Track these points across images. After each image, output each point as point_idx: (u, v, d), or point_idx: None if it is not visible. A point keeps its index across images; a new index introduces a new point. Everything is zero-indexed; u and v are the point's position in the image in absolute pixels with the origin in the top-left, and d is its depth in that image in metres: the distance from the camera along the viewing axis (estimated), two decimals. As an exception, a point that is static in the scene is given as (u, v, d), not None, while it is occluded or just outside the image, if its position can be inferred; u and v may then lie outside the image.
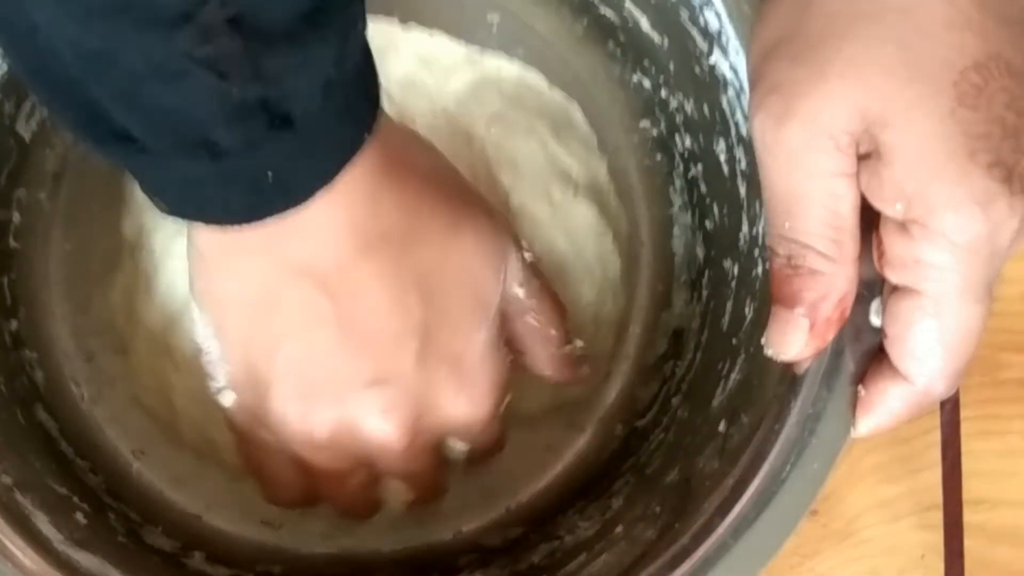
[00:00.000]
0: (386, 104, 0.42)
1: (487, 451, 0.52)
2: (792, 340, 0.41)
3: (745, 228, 0.51)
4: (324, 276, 0.42)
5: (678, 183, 0.58)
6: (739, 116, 0.50)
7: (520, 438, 0.54)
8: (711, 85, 0.51)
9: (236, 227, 0.39)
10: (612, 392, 0.57)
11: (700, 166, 0.55)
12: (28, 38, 0.35)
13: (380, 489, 0.50)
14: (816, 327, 0.41)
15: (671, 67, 0.55)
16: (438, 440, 0.48)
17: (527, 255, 0.48)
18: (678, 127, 0.56)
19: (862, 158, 0.39)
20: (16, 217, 0.55)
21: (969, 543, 0.52)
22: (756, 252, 0.50)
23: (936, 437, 0.52)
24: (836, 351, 0.44)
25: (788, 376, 0.45)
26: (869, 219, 0.40)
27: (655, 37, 0.55)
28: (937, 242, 0.38)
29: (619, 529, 0.50)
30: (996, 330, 0.50)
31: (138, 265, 0.53)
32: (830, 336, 0.42)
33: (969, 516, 0.52)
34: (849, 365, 0.43)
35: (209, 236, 0.42)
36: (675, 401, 0.54)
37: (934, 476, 0.53)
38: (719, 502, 0.44)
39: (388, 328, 0.43)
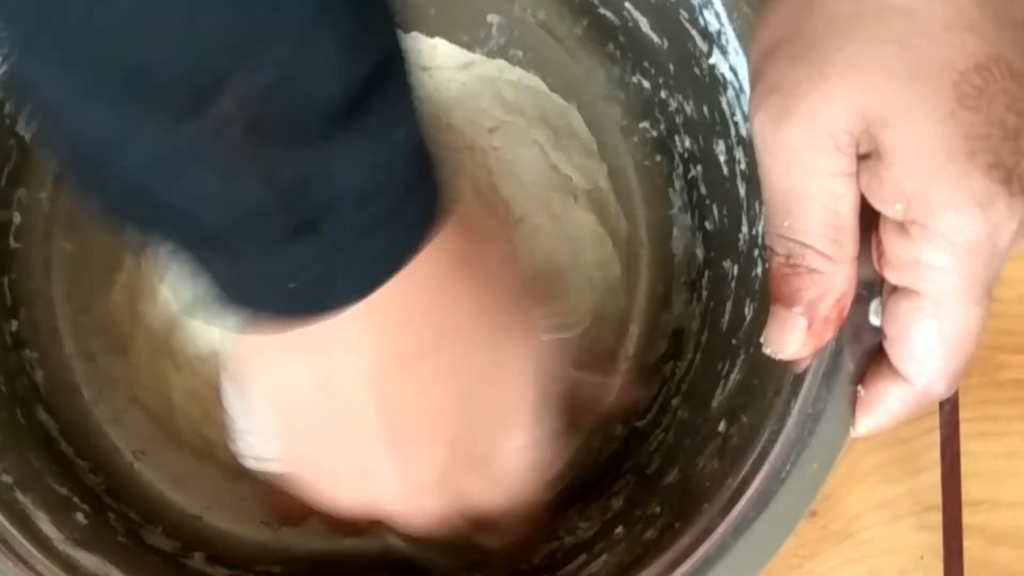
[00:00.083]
0: None
1: (515, 550, 0.50)
2: (790, 339, 0.41)
3: (745, 229, 0.51)
4: (352, 386, 0.40)
5: (678, 184, 0.58)
6: (739, 117, 0.50)
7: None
8: (711, 86, 0.51)
9: (277, 325, 0.37)
10: (612, 392, 0.57)
11: (700, 167, 0.55)
12: (55, 120, 0.33)
13: None
14: (814, 326, 0.41)
15: (671, 68, 0.55)
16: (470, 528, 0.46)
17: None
18: (678, 128, 0.56)
19: (862, 158, 0.39)
20: (17, 217, 0.55)
21: (968, 544, 0.52)
22: (756, 252, 0.50)
23: (935, 438, 0.52)
24: (836, 351, 0.44)
25: (788, 376, 0.45)
26: (869, 219, 0.40)
27: (655, 38, 0.55)
28: (937, 243, 0.38)
29: (619, 529, 0.50)
30: (995, 331, 0.50)
31: (142, 267, 0.53)
32: (828, 335, 0.42)
33: (968, 517, 0.52)
34: (849, 365, 0.43)
35: (251, 337, 0.40)
36: (675, 401, 0.54)
37: (933, 477, 0.53)
38: (719, 502, 0.44)
39: (420, 438, 0.42)
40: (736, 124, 0.51)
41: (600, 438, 0.56)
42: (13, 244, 0.55)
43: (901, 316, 0.40)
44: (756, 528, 0.43)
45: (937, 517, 0.52)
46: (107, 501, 0.52)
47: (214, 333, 0.51)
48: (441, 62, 0.57)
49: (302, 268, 0.35)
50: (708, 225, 0.55)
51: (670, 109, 0.56)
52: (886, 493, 0.54)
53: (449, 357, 0.41)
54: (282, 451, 0.43)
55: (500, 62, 0.58)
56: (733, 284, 0.52)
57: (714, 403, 0.50)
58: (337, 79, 0.31)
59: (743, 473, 0.44)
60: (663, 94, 0.56)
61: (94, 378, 0.55)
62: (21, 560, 0.44)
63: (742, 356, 0.50)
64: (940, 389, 0.41)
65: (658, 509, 0.48)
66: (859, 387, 0.43)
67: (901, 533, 0.54)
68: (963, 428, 0.52)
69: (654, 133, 0.58)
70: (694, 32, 0.51)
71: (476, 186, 0.54)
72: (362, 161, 0.33)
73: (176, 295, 0.52)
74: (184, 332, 0.52)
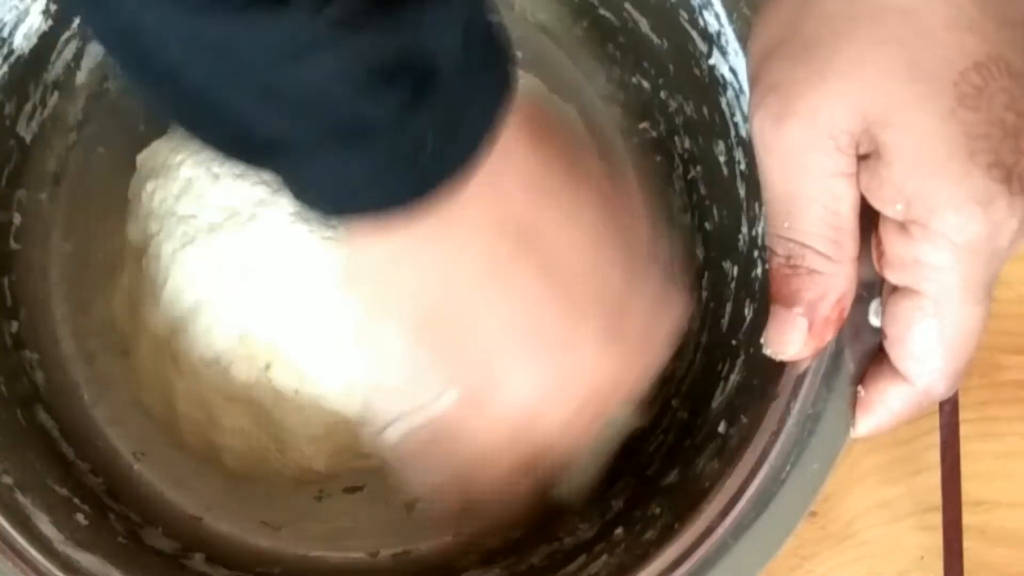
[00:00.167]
0: None
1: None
2: (790, 340, 0.41)
3: (744, 229, 0.51)
4: (510, 230, 0.40)
5: (677, 185, 0.58)
6: (738, 117, 0.50)
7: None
8: (710, 87, 0.51)
9: (406, 211, 0.37)
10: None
11: (699, 168, 0.55)
12: (149, 61, 0.34)
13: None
14: (814, 327, 0.41)
15: (671, 69, 0.55)
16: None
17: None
18: (677, 129, 0.56)
19: (862, 158, 0.39)
20: (17, 218, 0.55)
21: (968, 544, 0.52)
22: (755, 253, 0.50)
23: (935, 438, 0.52)
24: (836, 351, 0.44)
25: (788, 377, 0.45)
26: (869, 219, 0.40)
27: (655, 39, 0.55)
28: (937, 242, 0.38)
29: (619, 530, 0.49)
30: (995, 332, 0.50)
31: (143, 271, 0.53)
32: (828, 336, 0.42)
33: (968, 517, 0.52)
34: (849, 365, 0.43)
35: (379, 244, 0.39)
36: (675, 402, 0.54)
37: (933, 477, 0.53)
38: (719, 503, 0.44)
39: (592, 253, 0.42)
40: (736, 125, 0.51)
41: (600, 438, 0.56)
42: (13, 245, 0.55)
43: (901, 316, 0.40)
44: (756, 528, 0.43)
45: (937, 517, 0.52)
46: (107, 502, 0.52)
47: (217, 338, 0.51)
48: None
49: (435, 120, 0.35)
50: (708, 226, 0.55)
51: (670, 110, 0.56)
52: (886, 493, 0.54)
53: (579, 182, 0.42)
54: (471, 354, 0.42)
55: None
56: (733, 285, 0.52)
57: (714, 404, 0.50)
58: None
59: (743, 474, 0.44)
60: (663, 95, 0.56)
61: (94, 379, 0.54)
62: (21, 561, 0.44)
63: (742, 357, 0.50)
64: (941, 389, 0.41)
65: (658, 510, 0.48)
66: (859, 387, 0.43)
67: (901, 533, 0.54)
68: (963, 429, 0.52)
69: (654, 134, 0.58)
70: (694, 33, 0.51)
71: None
72: (454, 23, 0.35)
73: (178, 298, 0.52)
74: (186, 337, 0.52)
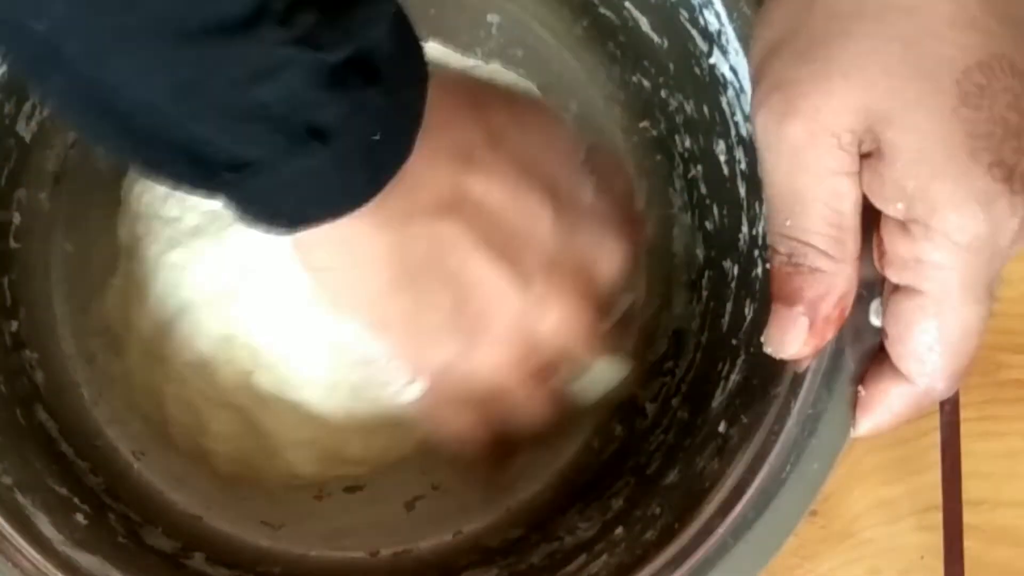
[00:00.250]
0: None
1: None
2: (791, 338, 0.41)
3: (745, 229, 0.51)
4: (444, 206, 0.42)
5: (678, 184, 0.58)
6: (739, 116, 0.50)
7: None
8: (711, 86, 0.51)
9: (358, 213, 0.38)
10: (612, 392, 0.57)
11: (700, 167, 0.55)
12: (110, 105, 0.35)
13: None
14: (815, 325, 0.41)
15: (671, 68, 0.55)
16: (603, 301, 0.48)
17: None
18: (678, 128, 0.56)
19: (864, 156, 0.39)
20: (16, 218, 0.55)
21: (969, 544, 0.52)
22: (756, 253, 0.50)
23: (936, 438, 0.52)
24: (836, 351, 0.44)
25: (788, 376, 0.45)
26: (871, 218, 0.40)
27: (655, 38, 0.55)
28: (938, 242, 0.38)
29: (619, 530, 0.49)
30: (996, 331, 0.50)
31: (132, 273, 0.53)
32: (829, 335, 0.42)
33: (969, 517, 0.52)
34: (849, 365, 0.43)
35: (328, 249, 0.41)
36: (675, 402, 0.54)
37: (934, 477, 0.53)
38: (719, 502, 0.44)
39: (520, 207, 0.44)
40: (736, 124, 0.51)
41: (600, 438, 0.56)
42: (13, 244, 0.54)
43: (902, 315, 0.40)
44: (756, 528, 0.43)
45: (937, 517, 0.52)
46: (107, 501, 0.52)
47: (201, 341, 0.51)
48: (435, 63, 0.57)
49: (382, 112, 0.37)
50: (708, 225, 0.55)
51: (670, 109, 0.56)
52: (886, 493, 0.54)
53: (501, 132, 0.44)
54: (429, 338, 0.44)
55: (495, 66, 0.57)
56: (733, 284, 0.52)
57: (714, 403, 0.50)
58: None
59: (743, 473, 0.44)
60: (663, 94, 0.56)
61: (94, 378, 0.54)
62: (21, 561, 0.44)
63: (742, 356, 0.50)
64: (941, 388, 0.41)
65: (658, 509, 0.48)
66: (860, 387, 0.43)
67: (901, 533, 0.54)
68: (964, 428, 0.52)
69: (654, 133, 0.58)
70: (694, 32, 0.51)
71: None
72: (385, 18, 0.36)
73: (163, 301, 0.52)
74: (173, 340, 0.52)
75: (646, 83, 0.57)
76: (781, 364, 0.45)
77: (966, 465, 0.52)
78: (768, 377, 0.46)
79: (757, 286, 0.50)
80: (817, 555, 0.54)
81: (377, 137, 0.37)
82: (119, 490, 0.53)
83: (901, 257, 0.39)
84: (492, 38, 0.58)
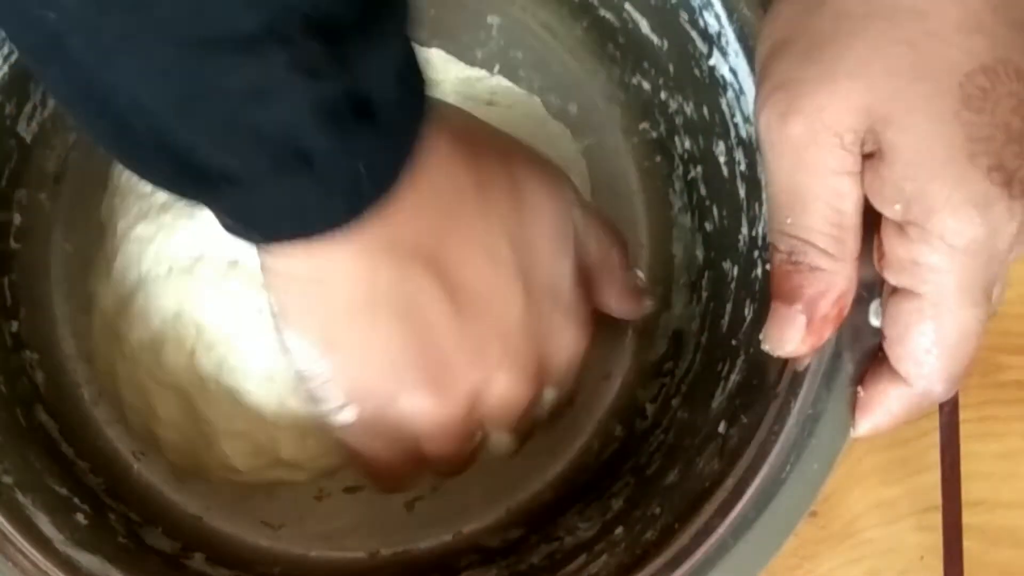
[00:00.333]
0: None
1: (564, 403, 0.52)
2: (789, 336, 0.41)
3: (745, 230, 0.51)
4: (421, 253, 0.42)
5: (678, 185, 0.58)
6: (739, 118, 0.50)
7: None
8: (711, 87, 0.51)
9: (331, 235, 0.38)
10: (612, 393, 0.57)
11: (700, 168, 0.55)
12: (107, 102, 0.35)
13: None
14: (813, 323, 0.41)
15: (671, 69, 0.55)
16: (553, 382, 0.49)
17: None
18: (678, 129, 0.56)
19: (866, 157, 0.39)
20: (17, 218, 0.55)
21: (968, 544, 0.52)
22: (756, 254, 0.50)
23: (935, 439, 0.52)
24: (835, 352, 0.44)
25: (788, 377, 0.45)
26: (871, 219, 0.40)
27: (655, 39, 0.55)
28: (935, 244, 0.38)
29: (619, 530, 0.50)
30: (995, 332, 0.50)
31: (103, 248, 0.53)
32: (827, 334, 0.42)
33: (968, 517, 0.52)
34: (848, 366, 0.43)
35: (297, 262, 0.41)
36: (675, 402, 0.54)
37: (933, 477, 0.53)
38: (719, 503, 0.44)
39: (494, 281, 0.44)
40: (736, 125, 0.51)
41: (600, 438, 0.56)
42: (13, 245, 0.55)
43: (901, 317, 0.40)
44: (756, 528, 0.43)
45: (937, 517, 0.52)
46: (107, 502, 0.52)
47: (152, 317, 0.50)
48: (434, 76, 0.57)
49: (369, 148, 0.37)
50: (708, 226, 0.55)
51: (670, 110, 0.56)
52: (886, 493, 0.54)
53: (490, 196, 0.44)
54: (374, 372, 0.44)
55: (498, 80, 0.57)
56: (733, 285, 0.52)
57: (714, 404, 0.50)
58: None
59: (743, 473, 0.44)
60: (663, 95, 0.56)
61: (94, 379, 0.54)
62: (21, 561, 0.44)
63: (742, 357, 0.50)
64: (939, 391, 0.41)
65: (658, 509, 0.48)
66: (859, 388, 0.43)
67: (901, 533, 0.54)
68: (963, 429, 0.52)
69: (654, 134, 0.58)
70: (694, 33, 0.51)
71: None
72: (395, 40, 0.37)
73: (124, 275, 0.52)
74: (128, 316, 0.51)
75: (646, 84, 0.57)
76: (781, 364, 0.45)
77: (965, 465, 0.52)
78: (768, 377, 0.46)
79: (757, 287, 0.50)
80: (817, 555, 0.54)
81: (362, 170, 0.37)
82: (119, 490, 0.53)
83: (899, 259, 0.39)
84: (492, 39, 0.58)
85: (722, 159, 0.53)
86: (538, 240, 0.46)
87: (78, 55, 0.34)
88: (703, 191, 0.56)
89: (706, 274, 0.55)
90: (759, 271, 0.50)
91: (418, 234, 0.41)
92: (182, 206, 0.51)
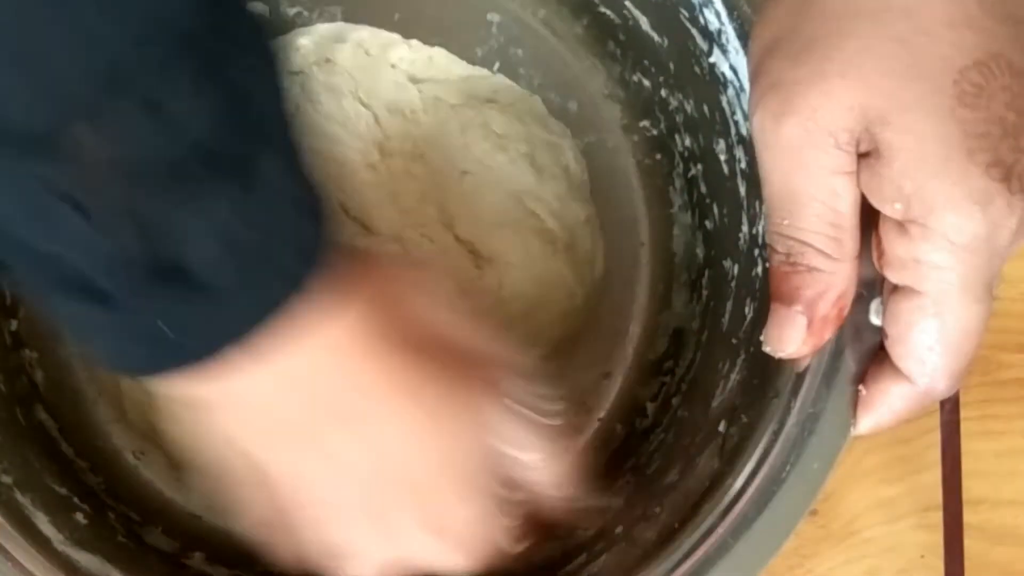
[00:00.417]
0: (376, 139, 0.40)
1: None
2: (789, 337, 0.41)
3: (745, 228, 0.51)
4: (253, 451, 0.39)
5: (678, 183, 0.58)
6: (739, 115, 0.50)
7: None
8: (711, 85, 0.51)
9: (189, 372, 0.35)
10: (612, 392, 0.57)
11: (700, 166, 0.55)
12: None
13: None
14: (814, 324, 0.41)
15: (671, 67, 0.55)
16: None
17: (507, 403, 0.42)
18: (678, 127, 0.56)
19: (862, 156, 0.39)
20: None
21: (969, 543, 0.52)
22: (756, 252, 0.50)
23: (936, 437, 0.52)
24: (836, 351, 0.44)
25: (788, 376, 0.45)
26: (869, 218, 0.40)
27: (655, 37, 0.55)
28: (936, 242, 0.38)
29: (619, 529, 0.49)
30: (996, 330, 0.50)
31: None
32: (827, 334, 0.41)
33: (969, 516, 0.52)
34: (849, 365, 0.43)
35: (177, 391, 0.37)
36: (675, 401, 0.54)
37: (934, 476, 0.53)
38: (719, 502, 0.44)
39: (331, 502, 0.40)
40: (736, 123, 0.51)
41: (600, 438, 0.56)
42: (13, 244, 0.54)
43: (902, 315, 0.40)
44: (756, 528, 0.43)
45: (938, 516, 0.52)
46: (107, 501, 0.52)
47: None
48: (437, 79, 0.57)
49: (174, 313, 0.33)
50: (708, 224, 0.55)
51: (670, 108, 0.56)
52: (886, 493, 0.54)
53: (365, 424, 0.39)
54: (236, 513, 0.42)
55: (499, 78, 0.57)
56: (733, 283, 0.52)
57: (714, 403, 0.50)
58: (200, 116, 0.31)
59: (743, 473, 0.44)
60: (663, 93, 0.56)
61: (94, 378, 0.54)
62: (21, 560, 0.44)
63: (742, 356, 0.50)
64: (942, 388, 0.41)
65: (658, 509, 0.48)
66: (860, 386, 0.43)
67: (901, 532, 0.54)
68: (964, 427, 0.52)
69: (654, 132, 0.58)
70: (694, 31, 0.51)
71: (450, 215, 0.54)
72: (224, 204, 0.32)
73: None
74: None
75: (646, 82, 0.57)
76: (781, 363, 0.45)
77: (966, 464, 0.52)
78: (768, 377, 0.46)
79: (757, 285, 0.50)
80: (817, 555, 0.54)
81: (165, 332, 0.33)
82: (119, 490, 0.53)
83: (900, 257, 0.39)
84: (492, 37, 0.58)
85: (722, 157, 0.53)
86: (423, 480, 0.40)
87: None
88: (703, 189, 0.56)
89: (706, 272, 0.55)
90: (759, 269, 0.50)
91: (244, 426, 0.38)
92: None
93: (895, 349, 0.41)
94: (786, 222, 0.40)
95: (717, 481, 0.45)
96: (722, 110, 0.51)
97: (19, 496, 0.46)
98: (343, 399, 0.38)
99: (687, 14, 0.51)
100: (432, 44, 0.57)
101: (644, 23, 0.55)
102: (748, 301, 0.51)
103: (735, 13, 0.48)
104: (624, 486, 0.53)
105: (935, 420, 0.52)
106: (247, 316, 0.34)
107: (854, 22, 0.39)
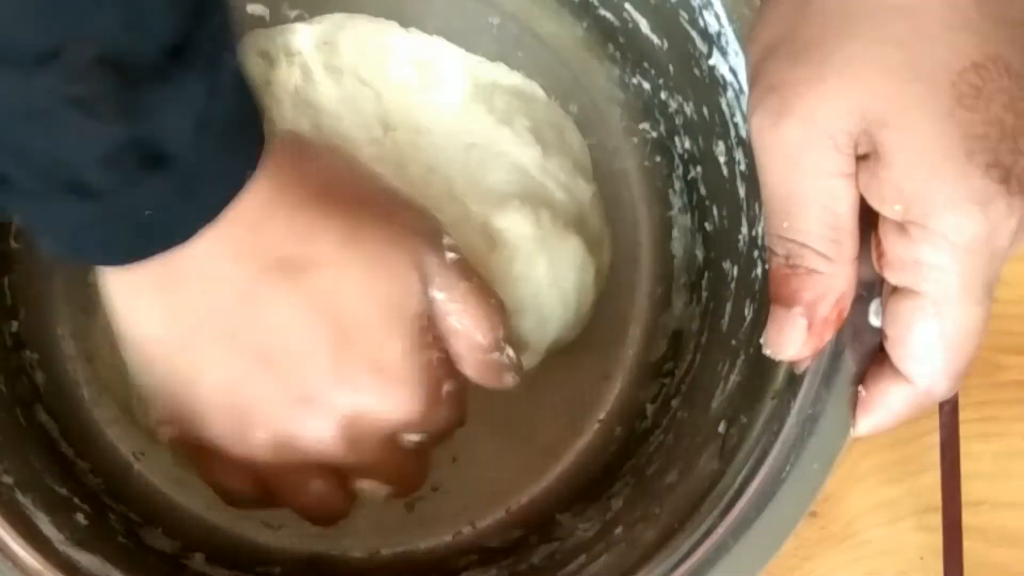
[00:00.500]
0: (378, 115, 0.41)
1: (441, 434, 0.48)
2: (790, 340, 0.41)
3: (744, 230, 0.51)
4: (222, 309, 0.42)
5: (678, 185, 0.58)
6: (739, 118, 0.50)
7: (520, 439, 0.54)
8: (711, 87, 0.51)
9: (128, 267, 0.39)
10: (612, 394, 0.57)
11: (700, 168, 0.55)
12: None
13: (353, 487, 0.48)
14: (814, 327, 0.41)
15: (671, 69, 0.55)
16: (387, 435, 0.46)
17: (451, 255, 0.46)
18: (678, 129, 0.56)
19: (861, 158, 0.39)
20: (16, 218, 0.55)
21: (968, 545, 0.52)
22: (755, 254, 0.50)
23: (935, 439, 0.52)
24: (836, 352, 0.44)
25: (788, 377, 0.45)
26: (868, 219, 0.40)
27: (655, 39, 0.55)
28: (936, 243, 0.38)
29: (619, 530, 0.50)
30: (995, 332, 0.50)
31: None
32: (828, 336, 0.42)
33: (968, 518, 0.52)
34: (849, 366, 0.43)
35: (115, 277, 0.42)
36: (675, 402, 0.54)
37: (933, 478, 0.53)
38: (719, 502, 0.44)
39: (298, 348, 0.43)
40: (736, 125, 0.51)
41: (600, 439, 0.56)
42: (13, 245, 0.54)
43: (902, 316, 0.40)
44: (756, 528, 0.43)
45: (937, 518, 0.52)
46: (107, 502, 0.52)
47: None
48: (439, 65, 0.57)
49: (158, 198, 0.37)
50: (708, 226, 0.55)
51: (670, 110, 0.56)
52: (886, 494, 0.54)
53: (310, 264, 0.42)
54: (180, 402, 0.44)
55: (500, 65, 0.57)
56: (733, 285, 0.52)
57: (714, 404, 0.50)
58: (168, 18, 0.35)
59: (743, 473, 0.44)
60: (663, 95, 0.56)
61: (94, 379, 0.54)
62: (21, 561, 0.44)
63: (742, 357, 0.50)
64: (942, 389, 0.41)
65: (658, 510, 0.48)
66: (860, 387, 0.43)
67: (901, 534, 0.54)
68: (963, 429, 0.52)
69: (654, 134, 0.58)
70: (694, 33, 0.51)
71: (455, 193, 0.54)
72: (198, 89, 0.36)
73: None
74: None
75: (646, 84, 0.57)
76: (781, 365, 0.45)
77: (965, 466, 0.52)
78: (768, 377, 0.46)
79: (757, 287, 0.50)
80: (817, 555, 0.54)
81: (148, 217, 0.37)
82: (119, 490, 0.53)
83: (899, 259, 0.39)
84: (493, 40, 0.58)
85: (722, 159, 0.53)
86: (362, 316, 0.43)
87: None
88: (703, 191, 0.56)
89: (706, 274, 0.55)
90: (759, 271, 0.50)
91: (214, 288, 0.41)
92: None
93: (895, 350, 0.41)
94: (785, 224, 0.40)
95: (716, 482, 0.45)
96: (722, 112, 0.51)
97: (20, 496, 0.46)
98: (291, 249, 0.42)
99: (687, 16, 0.51)
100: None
101: (644, 25, 0.55)
102: (748, 303, 0.51)
103: (735, 15, 0.48)
104: (624, 487, 0.53)
105: (934, 421, 0.52)
106: (219, 196, 0.39)
107: (853, 24, 0.39)
